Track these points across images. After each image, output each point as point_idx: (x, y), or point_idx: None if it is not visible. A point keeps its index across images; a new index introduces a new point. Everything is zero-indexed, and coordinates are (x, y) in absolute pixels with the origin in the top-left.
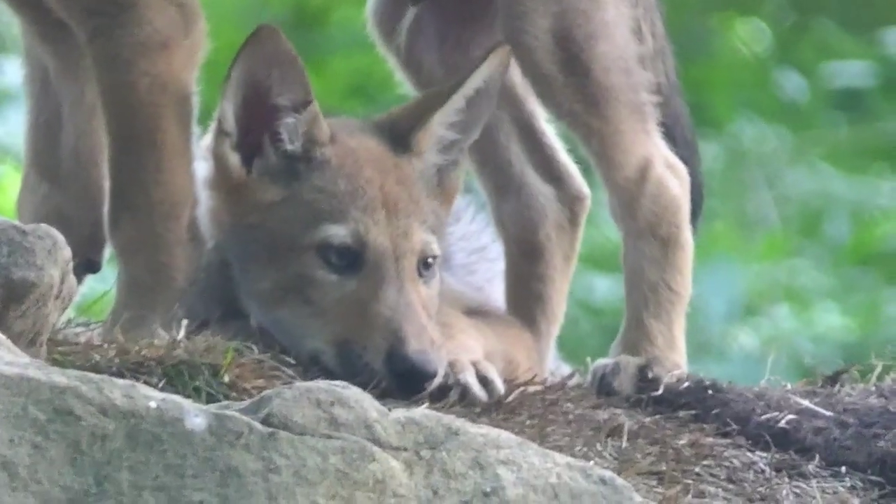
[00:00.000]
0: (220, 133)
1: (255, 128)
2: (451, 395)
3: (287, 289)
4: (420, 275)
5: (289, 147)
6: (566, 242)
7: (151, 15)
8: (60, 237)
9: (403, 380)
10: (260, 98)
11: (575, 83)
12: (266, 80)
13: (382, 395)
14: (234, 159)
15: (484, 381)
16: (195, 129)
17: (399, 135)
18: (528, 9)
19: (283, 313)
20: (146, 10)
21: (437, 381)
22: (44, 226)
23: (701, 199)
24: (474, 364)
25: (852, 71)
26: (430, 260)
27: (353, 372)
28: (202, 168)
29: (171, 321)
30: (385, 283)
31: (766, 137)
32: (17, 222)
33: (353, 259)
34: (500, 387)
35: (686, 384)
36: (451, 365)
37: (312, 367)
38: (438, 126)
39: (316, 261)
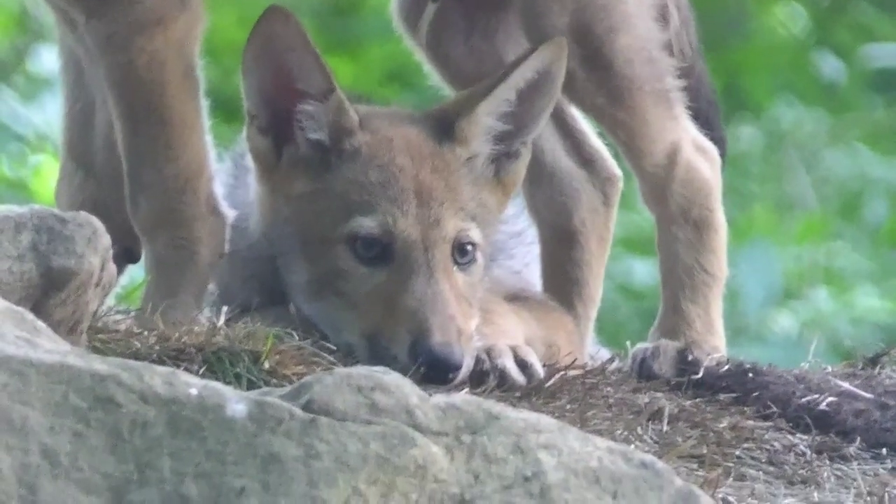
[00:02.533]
0: (249, 115)
1: (282, 113)
2: (490, 381)
3: (322, 282)
4: (456, 262)
5: (313, 136)
6: (601, 225)
7: None
8: (100, 225)
9: (428, 371)
10: (283, 81)
11: (597, 78)
12: (285, 64)
13: (422, 381)
14: (263, 143)
15: (523, 366)
16: (203, 101)
17: (444, 124)
18: (546, 8)
19: (319, 306)
20: None
21: (464, 372)
22: (83, 214)
23: (724, 152)
24: (513, 349)
25: (890, 52)
26: (468, 247)
27: (382, 364)
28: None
29: (201, 297)
30: (414, 275)
31: (804, 120)
32: (56, 210)
33: (381, 250)
34: (540, 371)
35: (726, 367)
36: (489, 350)
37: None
38: (484, 115)
39: (346, 253)
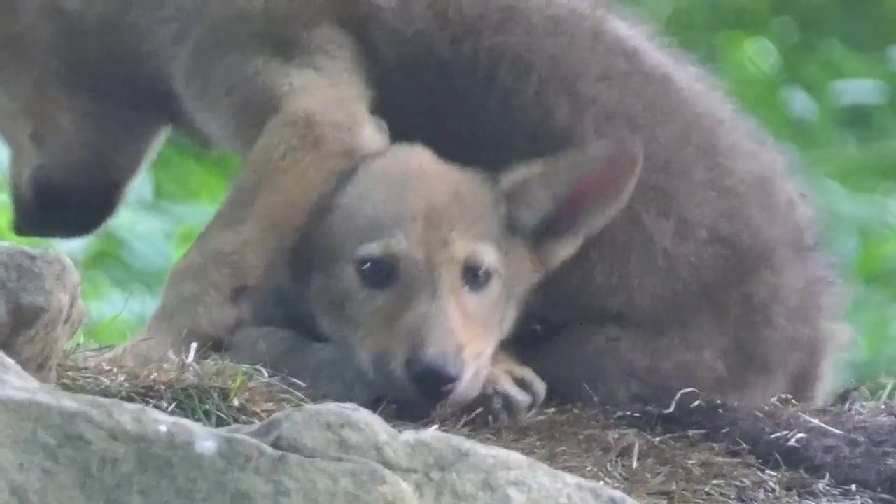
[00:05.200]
0: None
1: None
2: (495, 405)
3: (333, 304)
4: (467, 284)
5: None
6: None
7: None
8: (69, 262)
9: (423, 384)
10: None
11: None
12: None
13: (394, 417)
14: None
15: (523, 385)
16: (302, 219)
17: (500, 177)
18: None
19: (334, 328)
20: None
21: (464, 387)
22: (52, 251)
23: None
24: (508, 371)
25: (860, 89)
26: (479, 270)
27: (385, 383)
28: None
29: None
30: (416, 294)
31: None
32: (25, 247)
33: (386, 273)
34: (541, 387)
35: (696, 403)
36: (487, 379)
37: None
38: (535, 183)
39: (354, 276)
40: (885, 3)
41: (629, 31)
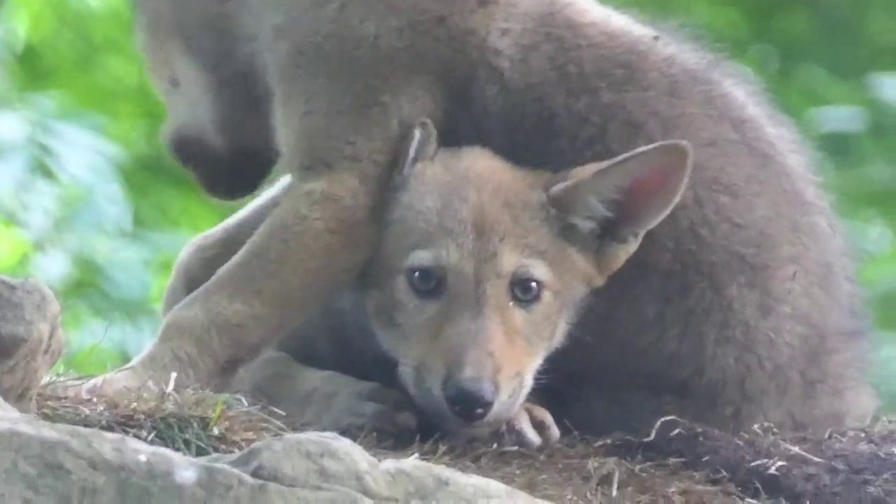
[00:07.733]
0: None
1: None
2: (506, 442)
3: (384, 311)
4: (516, 298)
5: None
6: None
7: (344, 191)
8: (49, 292)
9: (457, 406)
10: None
11: None
12: None
13: (375, 445)
14: None
15: (540, 427)
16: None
17: (550, 182)
18: None
19: (385, 336)
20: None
21: (499, 409)
22: (32, 280)
23: None
24: (528, 410)
25: (839, 116)
26: (530, 284)
27: (423, 397)
28: None
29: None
30: (461, 308)
31: None
32: (5, 277)
33: (435, 283)
34: (556, 432)
35: (677, 431)
36: None
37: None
38: (585, 191)
39: (404, 284)
40: (864, 30)
41: (739, 96)
